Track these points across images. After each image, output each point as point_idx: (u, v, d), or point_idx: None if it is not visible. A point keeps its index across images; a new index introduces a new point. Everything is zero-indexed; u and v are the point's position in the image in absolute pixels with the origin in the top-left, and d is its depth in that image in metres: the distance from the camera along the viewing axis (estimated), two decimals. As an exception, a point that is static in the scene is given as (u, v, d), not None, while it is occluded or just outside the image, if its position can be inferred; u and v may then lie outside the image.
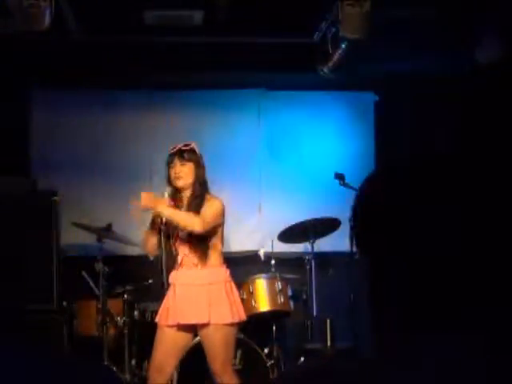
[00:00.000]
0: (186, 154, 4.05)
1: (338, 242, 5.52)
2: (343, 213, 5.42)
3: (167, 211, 3.92)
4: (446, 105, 5.73)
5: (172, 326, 3.97)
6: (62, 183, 5.42)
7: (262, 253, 5.21)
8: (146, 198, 3.92)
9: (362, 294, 5.40)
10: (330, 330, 5.11)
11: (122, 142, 5.87)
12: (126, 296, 5.08)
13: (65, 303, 5.00)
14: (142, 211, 4.01)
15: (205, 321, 3.89)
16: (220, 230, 4.12)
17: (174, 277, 4.02)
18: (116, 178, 5.80)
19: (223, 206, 4.09)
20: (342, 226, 5.32)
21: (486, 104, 5.53)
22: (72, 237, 5.32)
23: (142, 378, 4.87)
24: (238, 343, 4.71)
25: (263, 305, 4.93)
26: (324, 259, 5.49)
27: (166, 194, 4.03)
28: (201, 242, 3.98)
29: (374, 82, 6.00)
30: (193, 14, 4.85)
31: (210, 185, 5.98)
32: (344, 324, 5.20)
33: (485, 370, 1.15)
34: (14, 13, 4.25)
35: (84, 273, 5.08)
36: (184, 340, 4.03)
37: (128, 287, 5.11)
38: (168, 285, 4.08)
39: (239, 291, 4.94)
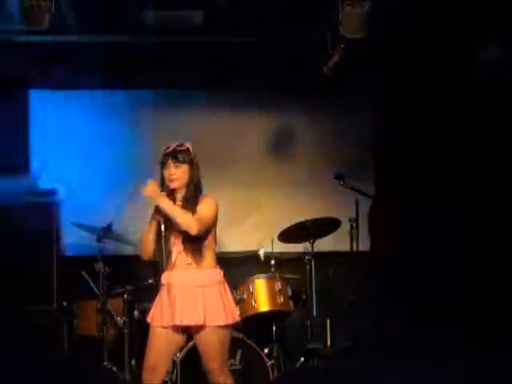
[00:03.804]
0: (180, 155, 4.02)
1: (338, 242, 5.52)
2: (343, 213, 5.44)
3: (166, 203, 3.90)
4: (445, 105, 5.74)
5: (166, 327, 3.97)
6: (61, 183, 5.42)
7: (261, 253, 5.21)
8: (150, 186, 3.91)
9: (361, 293, 5.41)
10: (330, 330, 5.12)
11: (121, 142, 5.87)
12: (125, 296, 5.09)
13: (65, 303, 5.01)
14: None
15: (200, 323, 3.89)
16: (214, 229, 4.10)
17: (168, 277, 3.98)
18: (116, 177, 5.80)
19: (217, 205, 4.07)
20: (341, 226, 5.33)
21: (485, 104, 5.54)
22: (72, 237, 5.32)
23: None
24: (238, 343, 4.72)
25: (263, 305, 4.93)
26: (324, 259, 5.49)
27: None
28: (195, 241, 3.96)
29: (374, 82, 6.01)
30: (193, 14, 4.85)
31: (209, 184, 5.96)
32: (344, 324, 5.21)
33: (486, 371, 1.15)
34: (14, 12, 4.25)
35: (84, 273, 5.08)
36: (177, 341, 4.01)
37: (128, 287, 5.12)
38: (160, 285, 4.08)
39: (239, 291, 4.96)
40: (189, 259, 3.96)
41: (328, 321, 5.14)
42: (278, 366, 4.87)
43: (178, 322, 3.89)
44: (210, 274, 3.99)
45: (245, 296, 4.92)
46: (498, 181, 5.48)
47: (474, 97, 5.61)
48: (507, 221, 5.48)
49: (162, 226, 3.93)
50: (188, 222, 3.87)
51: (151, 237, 4.00)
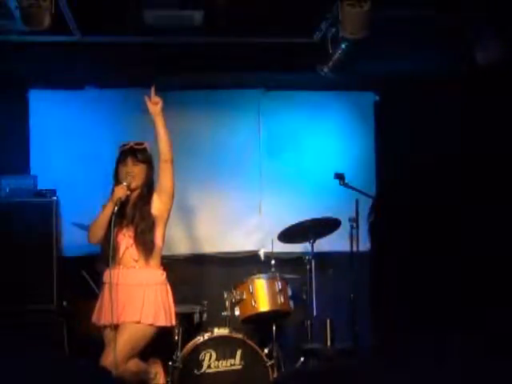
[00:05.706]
0: (139, 153, 4.07)
1: (338, 242, 5.52)
2: (343, 213, 5.43)
3: (162, 120, 4.08)
4: (445, 105, 5.73)
5: (106, 326, 3.96)
6: (61, 183, 5.42)
7: (261, 253, 5.21)
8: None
9: (361, 294, 5.41)
10: (330, 330, 5.11)
11: (121, 142, 5.86)
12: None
13: (65, 303, 5.00)
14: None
15: (136, 319, 3.87)
16: (164, 228, 4.06)
17: (111, 276, 3.92)
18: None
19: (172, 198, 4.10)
20: (341, 226, 5.32)
21: (485, 104, 5.53)
22: (72, 237, 5.31)
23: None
24: (238, 343, 4.72)
25: (263, 305, 4.93)
26: (324, 259, 5.49)
27: (125, 183, 4.03)
28: (147, 236, 3.93)
29: (374, 82, 6.01)
30: (193, 14, 4.85)
31: (209, 185, 5.98)
32: (344, 324, 5.21)
33: (486, 370, 1.15)
34: (14, 13, 4.25)
35: (84, 273, 5.07)
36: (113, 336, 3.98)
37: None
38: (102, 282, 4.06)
39: (239, 291, 4.95)
40: (136, 255, 3.93)
41: (328, 321, 5.14)
42: (278, 366, 4.87)
43: (115, 321, 3.87)
44: (153, 274, 3.98)
45: (245, 296, 4.92)
46: (499, 177, 5.47)
47: (475, 92, 5.60)
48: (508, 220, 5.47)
49: (116, 208, 3.92)
50: (170, 143, 3.97)
51: (105, 219, 3.97)
